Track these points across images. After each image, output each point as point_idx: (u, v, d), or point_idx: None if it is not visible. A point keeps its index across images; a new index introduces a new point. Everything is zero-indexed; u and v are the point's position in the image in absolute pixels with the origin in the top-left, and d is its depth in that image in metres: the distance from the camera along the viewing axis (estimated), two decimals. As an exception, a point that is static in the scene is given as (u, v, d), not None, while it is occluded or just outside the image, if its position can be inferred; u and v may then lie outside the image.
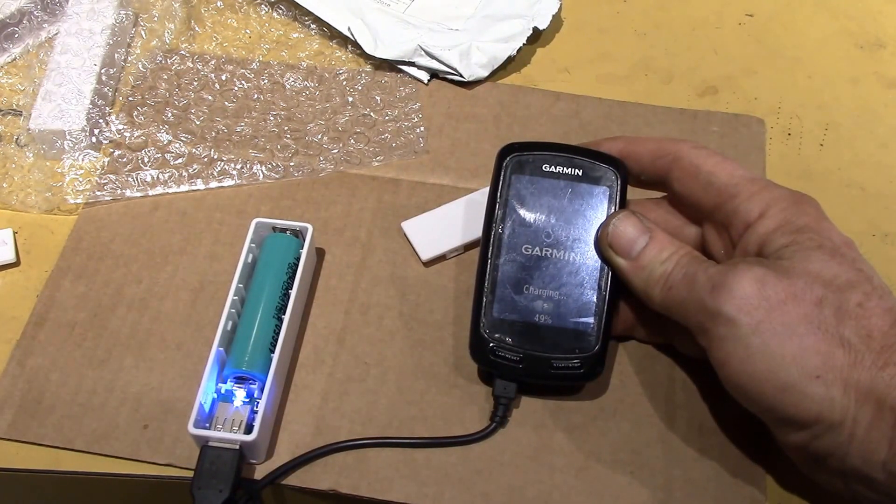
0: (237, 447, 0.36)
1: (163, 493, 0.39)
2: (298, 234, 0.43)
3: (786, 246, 0.33)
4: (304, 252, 0.41)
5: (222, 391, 0.38)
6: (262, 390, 0.37)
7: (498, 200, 0.39)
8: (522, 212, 0.39)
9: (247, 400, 0.38)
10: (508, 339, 0.38)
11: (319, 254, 0.45)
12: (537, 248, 0.39)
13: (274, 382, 0.38)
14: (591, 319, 0.38)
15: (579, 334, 0.37)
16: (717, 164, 0.37)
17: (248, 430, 0.36)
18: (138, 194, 0.47)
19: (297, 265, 0.41)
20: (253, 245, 0.42)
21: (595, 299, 0.38)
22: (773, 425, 0.33)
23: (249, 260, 0.42)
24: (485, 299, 0.38)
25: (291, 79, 0.52)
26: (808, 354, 0.31)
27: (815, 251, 0.33)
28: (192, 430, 0.36)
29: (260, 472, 0.38)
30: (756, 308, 0.32)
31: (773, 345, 0.31)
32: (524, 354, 0.37)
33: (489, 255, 0.39)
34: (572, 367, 0.37)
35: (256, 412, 0.37)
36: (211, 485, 0.35)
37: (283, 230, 0.43)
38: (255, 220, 0.42)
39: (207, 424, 0.37)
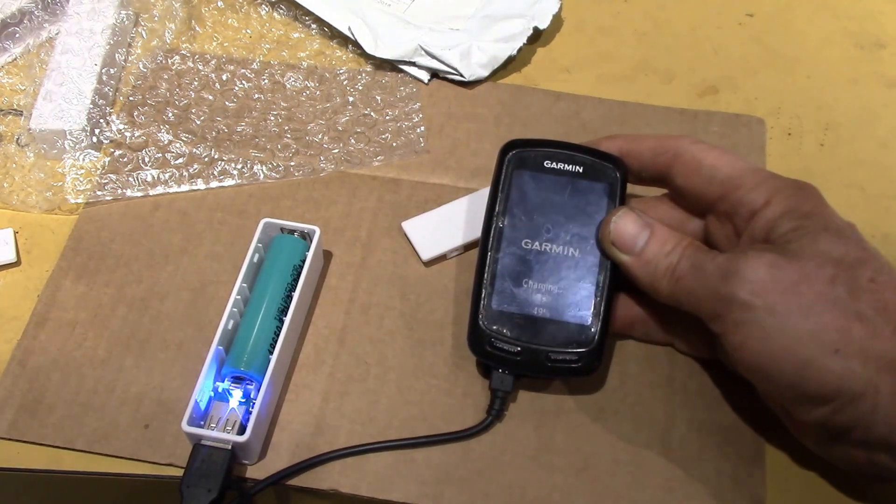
0: (229, 447, 0.36)
1: (163, 493, 0.39)
2: (306, 237, 0.43)
3: (793, 230, 0.34)
4: (309, 255, 0.41)
5: (219, 390, 0.38)
6: (259, 391, 0.37)
7: (499, 195, 0.40)
8: (523, 207, 0.39)
9: (243, 400, 0.38)
10: (507, 332, 0.38)
11: (326, 256, 0.45)
12: (537, 243, 0.39)
13: (271, 384, 0.38)
14: (589, 314, 0.38)
15: (577, 328, 0.38)
16: (718, 158, 0.37)
17: (242, 430, 0.36)
18: (139, 194, 0.47)
19: (302, 267, 0.41)
20: (259, 245, 0.42)
21: (593, 294, 0.38)
22: (793, 404, 0.34)
23: (255, 260, 0.42)
24: (484, 291, 0.38)
25: (292, 78, 0.52)
26: (825, 330, 0.31)
27: (822, 233, 0.33)
28: (185, 427, 0.36)
29: (253, 471, 0.38)
30: (770, 291, 0.32)
31: (789, 324, 0.32)
32: (522, 347, 0.38)
33: (489, 249, 0.39)
34: (570, 360, 0.37)
35: (251, 413, 0.37)
36: (200, 483, 0.35)
37: (291, 231, 0.43)
38: (263, 221, 0.42)
39: (202, 423, 0.37)
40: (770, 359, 0.32)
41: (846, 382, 0.31)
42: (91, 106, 0.48)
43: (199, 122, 0.50)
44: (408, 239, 0.45)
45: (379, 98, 0.52)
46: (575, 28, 0.56)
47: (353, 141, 0.50)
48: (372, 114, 0.51)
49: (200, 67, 0.53)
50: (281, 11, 0.56)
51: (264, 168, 0.48)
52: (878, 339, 0.31)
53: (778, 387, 0.33)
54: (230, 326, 0.40)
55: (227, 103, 0.51)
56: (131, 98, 0.51)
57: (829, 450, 0.34)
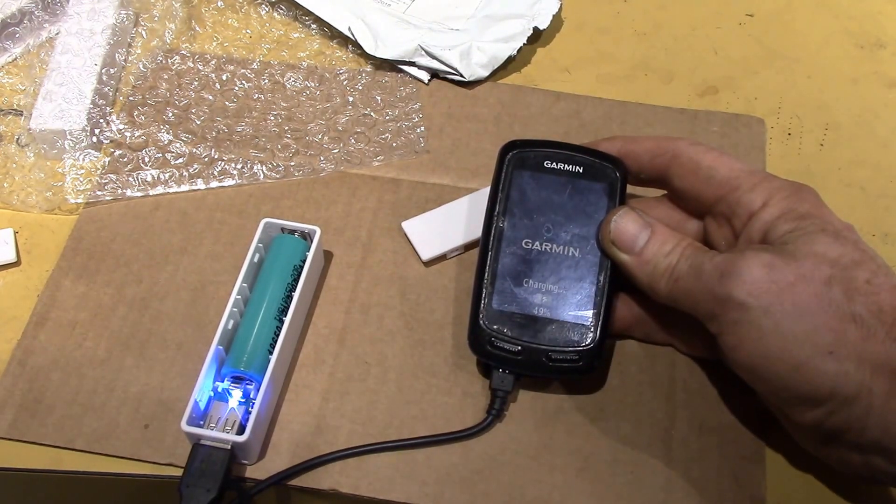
0: (228, 447, 0.36)
1: (163, 493, 0.39)
2: (306, 237, 0.43)
3: (790, 231, 0.34)
4: (310, 255, 0.41)
5: (219, 390, 0.38)
6: (258, 391, 0.37)
7: (499, 195, 0.40)
8: (523, 207, 0.39)
9: (243, 400, 0.38)
10: (507, 331, 0.38)
11: (327, 256, 0.45)
12: (537, 243, 0.39)
13: (271, 384, 0.38)
14: (589, 313, 0.38)
15: (577, 328, 0.38)
16: (716, 159, 0.37)
17: (241, 430, 0.36)
18: (139, 194, 0.47)
19: (302, 267, 0.41)
20: (260, 245, 0.42)
21: (593, 294, 0.38)
22: (788, 405, 0.34)
23: (256, 259, 0.42)
24: (484, 291, 0.38)
25: (292, 79, 0.52)
26: (820, 332, 0.31)
27: (819, 234, 0.33)
28: (185, 427, 0.36)
29: (253, 471, 0.38)
30: (766, 291, 0.32)
31: (784, 325, 0.32)
32: (523, 346, 0.38)
33: (489, 248, 0.39)
34: (570, 359, 0.38)
35: (251, 413, 0.37)
36: (199, 483, 0.35)
37: (292, 231, 0.43)
38: (263, 221, 0.42)
39: (201, 423, 0.37)
40: (765, 360, 0.32)
41: (840, 385, 0.31)
42: (91, 106, 0.48)
43: (199, 122, 0.50)
44: (408, 239, 0.45)
45: (379, 98, 0.52)
46: (575, 28, 0.56)
47: (353, 141, 0.50)
48: (372, 114, 0.51)
49: (200, 67, 0.53)
50: (281, 11, 0.56)
51: (264, 168, 0.48)
52: (872, 342, 0.31)
53: (773, 388, 0.33)
54: (230, 326, 0.40)
55: (227, 103, 0.51)
56: (131, 98, 0.51)
57: (825, 452, 0.34)
